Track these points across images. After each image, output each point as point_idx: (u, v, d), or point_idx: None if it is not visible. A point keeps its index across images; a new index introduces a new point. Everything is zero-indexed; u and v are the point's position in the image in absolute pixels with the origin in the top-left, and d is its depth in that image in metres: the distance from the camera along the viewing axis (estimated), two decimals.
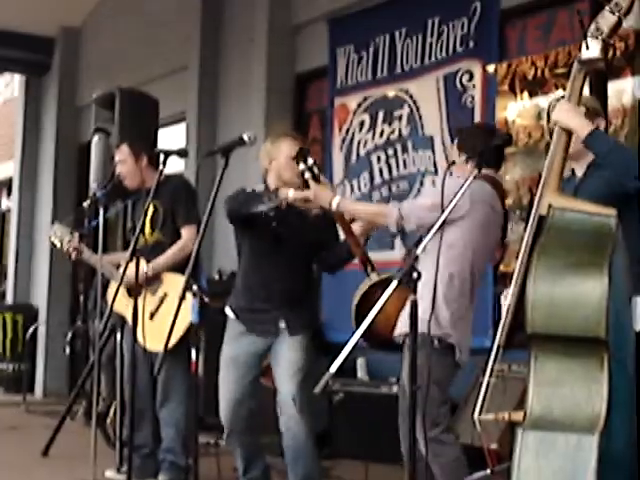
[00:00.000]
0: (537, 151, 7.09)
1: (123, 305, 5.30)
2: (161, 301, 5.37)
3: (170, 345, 4.61)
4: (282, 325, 4.74)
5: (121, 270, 4.88)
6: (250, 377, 4.79)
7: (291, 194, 4.43)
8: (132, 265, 4.68)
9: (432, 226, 3.62)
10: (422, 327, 3.65)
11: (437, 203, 3.84)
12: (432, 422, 4.05)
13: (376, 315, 3.72)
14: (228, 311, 4.88)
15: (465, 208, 3.99)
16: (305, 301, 4.88)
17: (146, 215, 5.23)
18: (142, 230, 5.40)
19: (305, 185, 4.39)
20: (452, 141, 6.59)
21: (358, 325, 4.40)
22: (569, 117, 3.48)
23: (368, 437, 6.06)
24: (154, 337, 4.97)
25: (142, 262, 5.11)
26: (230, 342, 4.84)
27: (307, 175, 4.35)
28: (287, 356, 4.74)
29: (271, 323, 4.75)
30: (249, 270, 4.83)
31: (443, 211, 3.63)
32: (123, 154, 5.73)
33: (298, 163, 4.39)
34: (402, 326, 4.05)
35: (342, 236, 4.66)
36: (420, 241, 3.68)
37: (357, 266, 4.60)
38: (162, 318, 5.22)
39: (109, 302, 5.26)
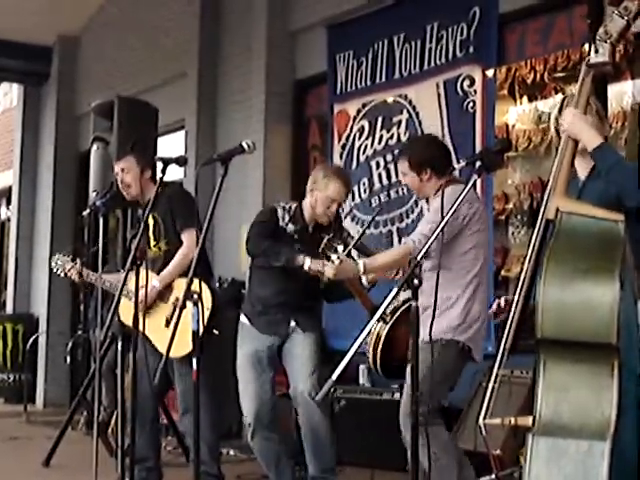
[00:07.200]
0: (537, 155, 7.08)
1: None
2: (174, 307, 5.35)
3: (184, 353, 4.68)
4: (292, 324, 5.07)
5: (122, 282, 4.81)
6: (270, 374, 5.08)
7: (307, 265, 4.72)
8: (141, 280, 4.71)
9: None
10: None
11: (436, 221, 3.96)
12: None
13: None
14: (243, 318, 5.19)
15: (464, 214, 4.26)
16: (313, 310, 5.23)
17: (147, 228, 5.31)
18: (147, 243, 5.50)
19: (327, 259, 4.63)
20: (454, 147, 6.59)
21: (385, 372, 4.60)
22: (581, 129, 3.45)
23: (371, 444, 6.03)
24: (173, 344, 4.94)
25: (152, 275, 5.12)
26: (245, 344, 5.12)
27: (332, 257, 4.57)
28: (302, 354, 5.03)
29: (283, 323, 5.09)
30: (265, 281, 5.14)
31: (443, 218, 3.63)
32: (129, 163, 5.71)
33: (326, 253, 4.63)
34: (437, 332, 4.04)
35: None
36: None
37: None
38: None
39: (116, 317, 5.24)
